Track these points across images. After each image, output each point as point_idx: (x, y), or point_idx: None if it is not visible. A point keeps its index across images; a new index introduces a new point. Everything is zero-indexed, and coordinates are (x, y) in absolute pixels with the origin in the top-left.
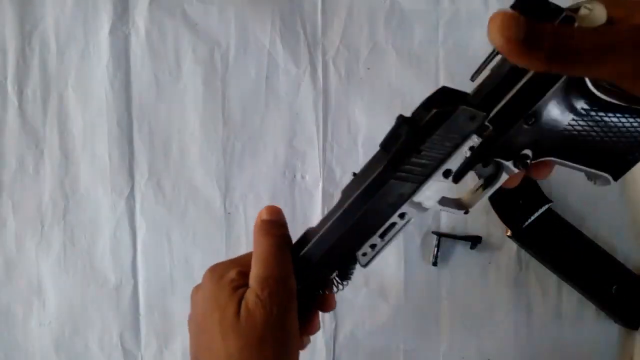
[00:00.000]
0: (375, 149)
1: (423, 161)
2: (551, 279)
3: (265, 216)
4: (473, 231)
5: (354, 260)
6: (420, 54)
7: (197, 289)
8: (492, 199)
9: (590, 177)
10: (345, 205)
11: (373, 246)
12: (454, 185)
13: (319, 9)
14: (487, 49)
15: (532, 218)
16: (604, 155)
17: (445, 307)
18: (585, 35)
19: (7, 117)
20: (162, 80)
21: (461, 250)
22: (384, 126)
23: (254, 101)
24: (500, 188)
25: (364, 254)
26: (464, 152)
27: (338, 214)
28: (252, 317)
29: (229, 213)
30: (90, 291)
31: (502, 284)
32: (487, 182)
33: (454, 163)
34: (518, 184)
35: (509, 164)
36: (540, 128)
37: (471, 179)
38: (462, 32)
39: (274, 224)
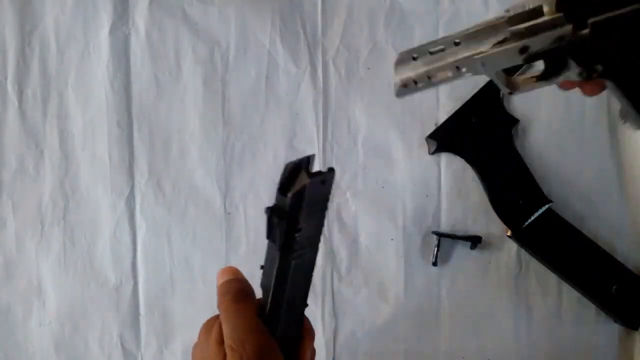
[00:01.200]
0: (375, 148)
1: (309, 232)
2: (551, 279)
3: (219, 280)
4: (473, 231)
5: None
6: None
7: (195, 346)
8: (492, 199)
9: (623, 115)
10: (269, 300)
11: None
12: None
13: (319, 9)
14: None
15: (532, 218)
16: None
17: (445, 307)
18: None
19: (7, 117)
20: (162, 80)
21: (461, 250)
22: (384, 126)
23: (254, 101)
24: (500, 186)
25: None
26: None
27: (268, 307)
28: None
29: (229, 213)
30: (90, 291)
31: (502, 284)
32: (545, 75)
33: None
34: (568, 88)
35: (577, 69)
36: (620, 49)
37: None
38: None
39: (229, 284)
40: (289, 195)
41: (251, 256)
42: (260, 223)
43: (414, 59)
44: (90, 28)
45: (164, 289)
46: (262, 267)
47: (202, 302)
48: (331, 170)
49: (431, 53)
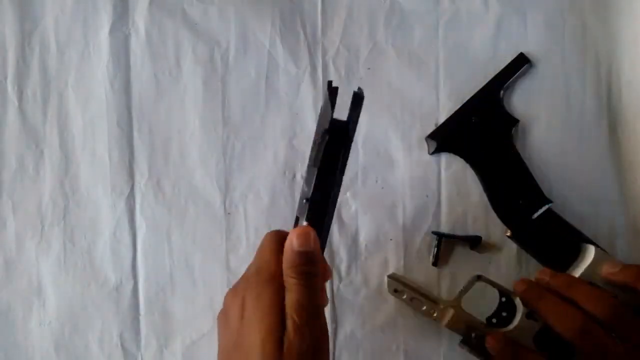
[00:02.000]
0: (375, 148)
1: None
2: None
3: (297, 246)
4: (473, 231)
5: None
6: (420, 54)
7: (234, 292)
8: (491, 199)
9: None
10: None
11: None
12: None
13: (319, 9)
14: (487, 50)
15: (532, 218)
16: None
17: None
18: None
19: (7, 117)
20: (162, 80)
21: (461, 250)
22: (384, 126)
23: (254, 101)
24: (500, 186)
25: None
26: None
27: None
28: (292, 346)
29: (229, 213)
30: (90, 291)
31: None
32: None
33: None
34: None
35: None
36: None
37: None
38: (462, 32)
39: (306, 261)
40: (350, 112)
41: (251, 256)
42: (260, 223)
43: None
44: (90, 28)
45: (164, 289)
46: (297, 218)
47: (202, 302)
48: (360, 89)
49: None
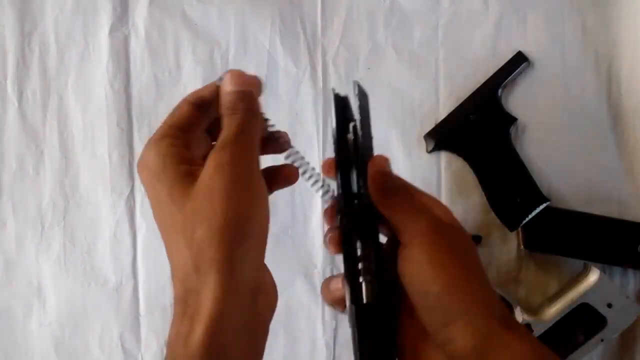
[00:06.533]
0: (375, 148)
1: None
2: (552, 279)
3: (230, 86)
4: (473, 231)
5: None
6: (420, 54)
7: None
8: (489, 196)
9: None
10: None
11: None
12: None
13: (319, 9)
14: (487, 50)
15: (530, 216)
16: None
17: None
18: None
19: (7, 118)
20: (162, 80)
21: None
22: (384, 126)
23: None
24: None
25: None
26: None
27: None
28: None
29: None
30: (91, 291)
31: (502, 284)
32: None
33: None
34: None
35: None
36: None
37: None
38: (462, 32)
39: (243, 98)
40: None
41: None
42: None
43: None
44: (90, 29)
45: (164, 289)
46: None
47: None
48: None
49: None
